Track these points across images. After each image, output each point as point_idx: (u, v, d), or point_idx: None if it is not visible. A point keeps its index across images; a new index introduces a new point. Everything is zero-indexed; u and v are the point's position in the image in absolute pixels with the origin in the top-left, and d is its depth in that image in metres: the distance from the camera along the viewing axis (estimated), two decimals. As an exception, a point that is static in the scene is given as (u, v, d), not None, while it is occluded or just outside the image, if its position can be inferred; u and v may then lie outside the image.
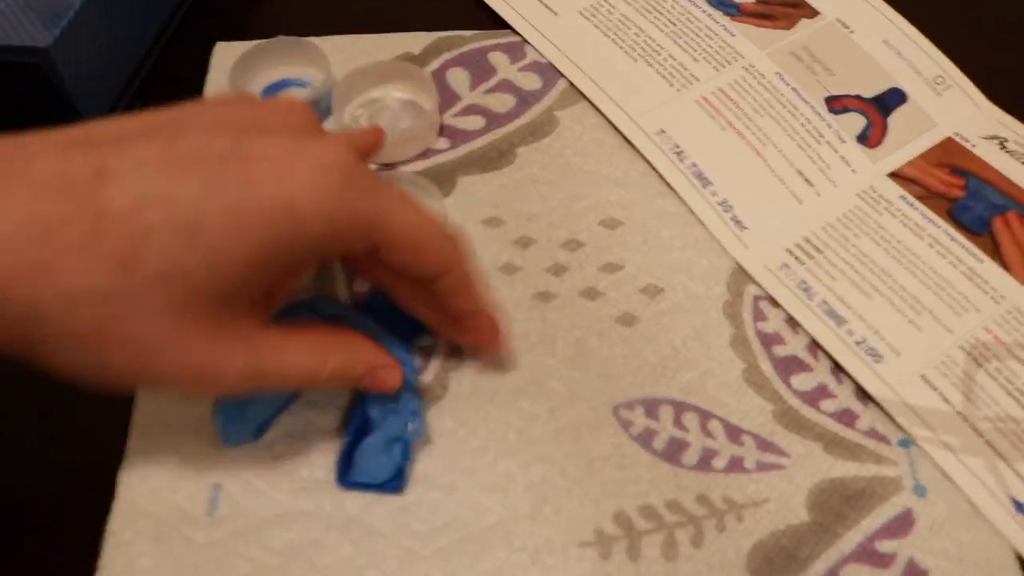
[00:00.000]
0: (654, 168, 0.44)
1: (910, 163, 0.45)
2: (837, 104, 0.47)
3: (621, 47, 0.49)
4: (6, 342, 0.27)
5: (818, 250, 0.41)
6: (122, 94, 0.48)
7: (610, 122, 0.46)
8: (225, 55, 0.49)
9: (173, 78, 0.50)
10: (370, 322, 0.37)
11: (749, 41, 0.49)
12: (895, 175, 0.44)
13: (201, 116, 0.30)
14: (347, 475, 0.35)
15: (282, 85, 0.48)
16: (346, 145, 0.30)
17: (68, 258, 0.26)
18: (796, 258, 0.41)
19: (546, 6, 0.51)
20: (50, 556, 0.35)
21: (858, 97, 0.47)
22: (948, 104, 0.47)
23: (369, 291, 0.40)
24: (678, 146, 0.45)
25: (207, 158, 0.27)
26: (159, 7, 0.51)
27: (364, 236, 0.30)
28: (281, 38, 0.47)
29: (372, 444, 0.35)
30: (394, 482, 0.35)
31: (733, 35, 0.50)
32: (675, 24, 0.50)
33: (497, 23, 0.51)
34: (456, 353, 0.39)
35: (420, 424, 0.36)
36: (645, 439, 0.37)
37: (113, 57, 0.47)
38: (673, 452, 0.36)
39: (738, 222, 0.42)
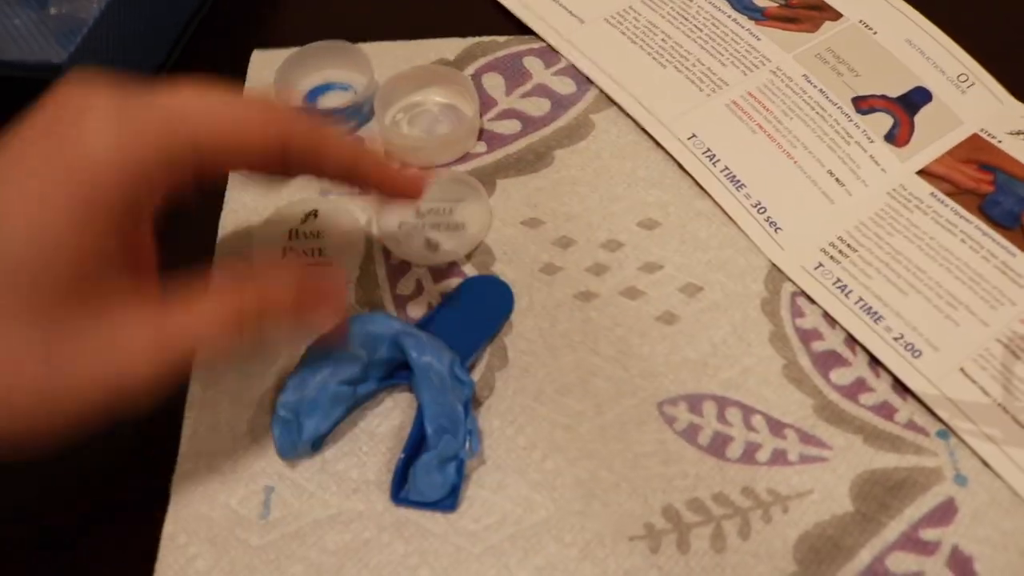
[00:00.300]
0: (688, 172, 0.45)
1: (938, 160, 0.45)
2: (864, 104, 0.47)
3: (649, 53, 0.50)
4: None
5: (852, 249, 0.42)
6: None
7: (642, 127, 0.47)
8: (262, 63, 0.50)
9: None
10: (424, 336, 0.37)
11: (775, 44, 0.50)
12: (924, 173, 0.45)
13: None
14: (401, 492, 0.36)
15: (326, 88, 0.48)
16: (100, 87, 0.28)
17: None
18: (831, 257, 0.42)
19: (572, 14, 0.52)
20: (107, 559, 0.35)
21: (884, 97, 0.48)
22: (973, 101, 0.48)
23: (425, 314, 0.40)
24: (710, 150, 0.45)
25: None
26: (171, 22, 0.52)
27: (169, 146, 0.28)
28: (324, 42, 0.48)
29: (427, 463, 0.35)
30: (448, 500, 0.35)
31: (759, 39, 0.50)
32: (701, 29, 0.51)
33: (525, 31, 0.52)
34: (501, 354, 0.39)
35: (476, 443, 0.36)
36: (690, 434, 0.37)
37: (127, 70, 0.47)
38: (718, 446, 0.37)
39: (772, 223, 0.43)
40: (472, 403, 0.37)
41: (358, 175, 0.33)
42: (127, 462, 0.38)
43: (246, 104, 0.29)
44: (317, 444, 0.37)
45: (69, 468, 0.37)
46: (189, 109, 0.28)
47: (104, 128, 0.27)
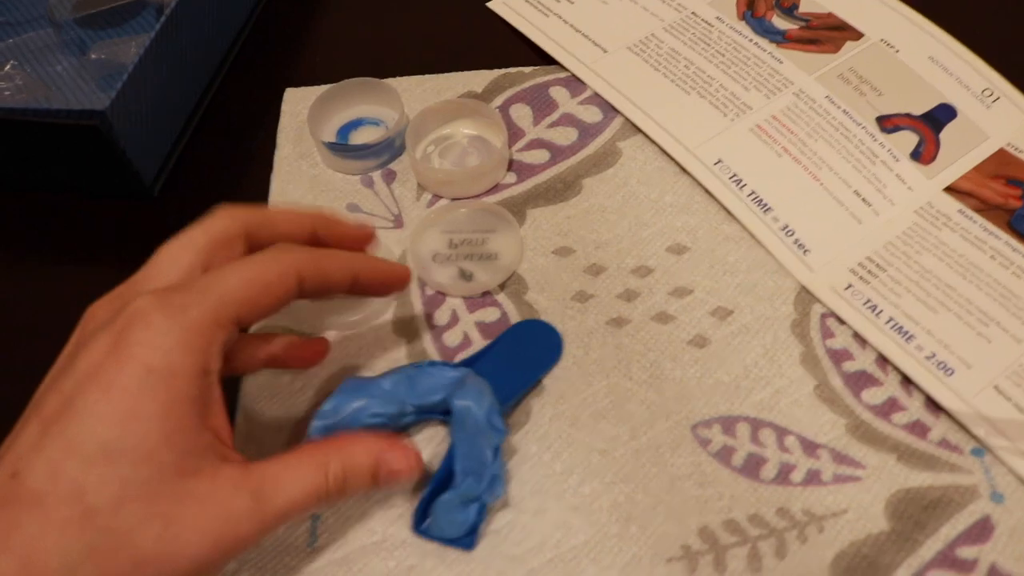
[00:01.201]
0: (714, 197, 0.46)
1: (965, 177, 0.46)
2: (888, 123, 0.48)
3: (673, 80, 0.51)
4: None
5: (881, 269, 0.43)
6: (174, 147, 0.51)
7: (668, 154, 0.48)
8: (295, 100, 0.52)
9: (222, 128, 0.53)
10: (470, 380, 0.37)
11: (797, 67, 0.51)
12: (951, 190, 0.45)
13: (53, 377, 0.32)
14: (421, 525, 0.37)
15: (357, 124, 0.50)
16: (155, 299, 0.31)
17: (39, 544, 0.28)
18: (860, 278, 0.42)
19: (595, 44, 0.53)
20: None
21: (908, 115, 0.48)
22: (998, 116, 0.48)
23: (467, 351, 0.41)
24: (736, 175, 0.46)
25: (70, 396, 0.29)
26: (206, 62, 0.54)
27: (221, 326, 0.31)
28: (355, 79, 0.49)
29: (448, 501, 0.36)
30: (466, 539, 0.36)
31: (781, 62, 0.51)
32: (723, 55, 0.52)
33: (550, 62, 0.53)
34: (536, 382, 0.40)
35: (500, 488, 0.36)
36: (724, 456, 0.38)
37: (164, 113, 0.49)
38: (752, 467, 0.37)
39: (801, 245, 0.44)
40: (501, 450, 0.37)
41: (358, 288, 0.36)
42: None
43: (264, 266, 0.33)
44: None
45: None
46: (228, 295, 0.32)
47: (165, 343, 0.30)
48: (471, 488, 0.36)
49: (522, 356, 0.40)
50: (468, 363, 0.40)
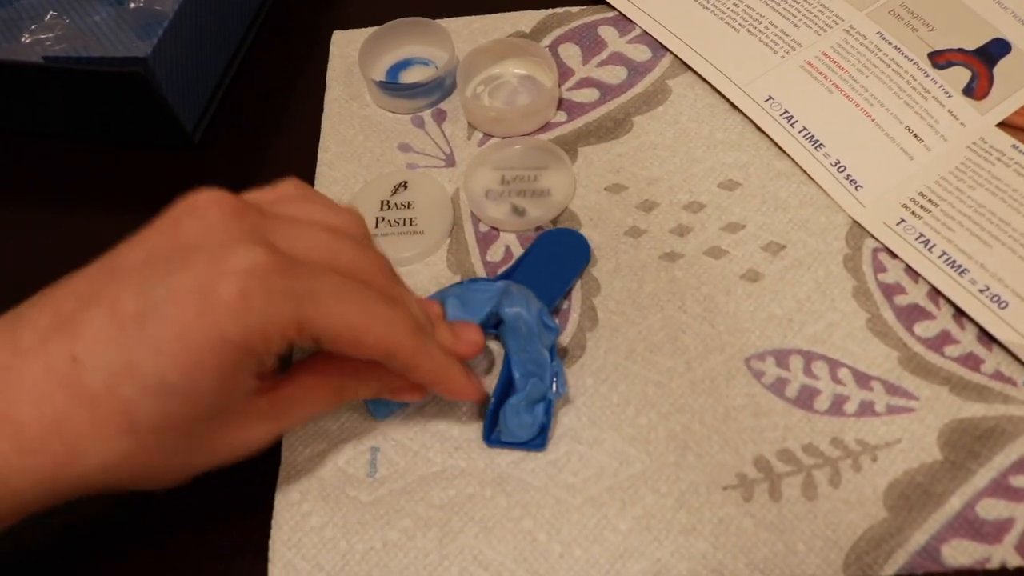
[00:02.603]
0: (766, 134, 0.46)
1: (1019, 112, 0.45)
2: (941, 59, 0.47)
3: (721, 18, 0.50)
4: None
5: (934, 204, 0.43)
6: (214, 95, 0.51)
7: (719, 92, 0.47)
8: (344, 42, 0.52)
9: (261, 75, 0.53)
10: (514, 288, 0.38)
11: (847, 3, 0.50)
12: (1004, 125, 0.45)
13: (130, 256, 0.32)
14: (492, 434, 0.38)
15: (407, 64, 0.50)
16: (261, 246, 0.31)
17: (84, 442, 0.30)
18: (913, 213, 0.42)
19: (643, -19, 0.53)
20: (226, 517, 0.38)
21: (961, 50, 0.48)
22: (1053, 51, 0.48)
23: (506, 267, 0.42)
24: (788, 111, 0.46)
25: (147, 314, 0.30)
26: (245, 8, 0.54)
27: (297, 338, 0.31)
28: (404, 19, 0.49)
29: (515, 405, 0.37)
30: (537, 440, 0.37)
31: (831, -2, 0.51)
32: (772, -9, 0.51)
33: (598, 1, 0.52)
34: (591, 315, 0.41)
35: (562, 384, 0.38)
36: (778, 388, 0.38)
37: (204, 60, 0.50)
38: (806, 399, 0.38)
39: (853, 181, 0.44)
40: (557, 349, 0.38)
41: (435, 391, 0.37)
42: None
43: (382, 325, 0.33)
44: (404, 404, 0.39)
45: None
46: (324, 318, 0.31)
47: (258, 303, 0.30)
48: (536, 388, 0.37)
49: (554, 262, 0.42)
50: (505, 276, 0.41)
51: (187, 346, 0.29)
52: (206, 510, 0.38)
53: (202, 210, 0.32)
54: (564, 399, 0.38)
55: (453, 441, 0.38)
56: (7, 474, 0.30)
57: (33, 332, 0.30)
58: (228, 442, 0.33)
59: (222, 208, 0.32)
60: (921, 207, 0.43)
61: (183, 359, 0.30)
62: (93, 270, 0.32)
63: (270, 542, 0.36)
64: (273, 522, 0.37)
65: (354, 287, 0.32)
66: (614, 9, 0.52)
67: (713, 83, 0.48)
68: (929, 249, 0.41)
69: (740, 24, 0.50)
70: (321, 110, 0.49)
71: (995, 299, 0.39)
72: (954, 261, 0.41)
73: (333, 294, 0.32)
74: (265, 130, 0.50)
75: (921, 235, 0.42)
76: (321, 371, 0.35)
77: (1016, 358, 0.38)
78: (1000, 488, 0.35)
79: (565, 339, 0.40)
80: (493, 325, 0.39)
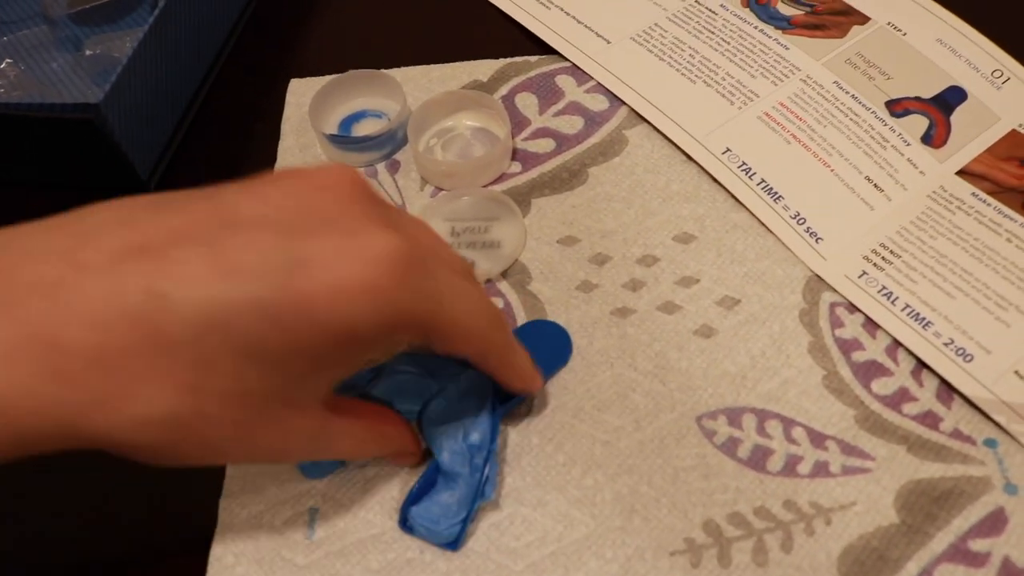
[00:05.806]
0: (723, 186, 0.45)
1: (977, 159, 0.45)
2: (898, 107, 0.47)
3: (678, 69, 0.50)
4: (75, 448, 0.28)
5: (896, 255, 0.42)
6: (170, 142, 0.50)
7: (675, 145, 0.47)
8: (301, 90, 0.51)
9: (219, 121, 0.52)
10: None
11: (804, 53, 0.50)
12: (964, 173, 0.44)
13: (247, 207, 0.29)
14: (407, 523, 0.36)
15: (360, 116, 0.49)
16: (398, 233, 0.29)
17: (136, 387, 0.26)
18: (875, 264, 0.41)
19: (598, 35, 0.52)
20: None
21: (918, 99, 0.47)
22: (1009, 97, 0.47)
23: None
24: (745, 163, 0.45)
25: (259, 271, 0.27)
26: (202, 56, 0.53)
27: (415, 333, 0.31)
28: (357, 71, 0.49)
29: (438, 501, 0.36)
30: (452, 544, 0.35)
31: (787, 48, 0.50)
32: (728, 43, 0.51)
33: (553, 52, 0.52)
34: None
35: (491, 490, 0.35)
36: (729, 448, 0.37)
37: (160, 106, 0.49)
38: (758, 459, 0.37)
39: (813, 234, 0.43)
40: (495, 455, 0.36)
41: (514, 386, 0.37)
42: (177, 485, 0.38)
43: (487, 325, 0.33)
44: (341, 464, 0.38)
45: (120, 495, 0.38)
46: (447, 314, 0.31)
47: (388, 289, 0.28)
48: (462, 487, 0.35)
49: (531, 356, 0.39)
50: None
51: (307, 320, 0.27)
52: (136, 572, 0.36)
53: (335, 184, 0.30)
54: (493, 504, 0.36)
55: (393, 502, 0.37)
56: (26, 402, 0.26)
57: (97, 250, 0.27)
58: (273, 448, 0.31)
59: (356, 188, 0.30)
60: (883, 259, 0.42)
61: (295, 333, 0.27)
62: (192, 205, 0.29)
63: (200, 608, 0.35)
64: (205, 587, 0.35)
65: (465, 284, 0.32)
66: (570, 61, 0.51)
67: (670, 136, 0.47)
68: (892, 302, 0.40)
69: (696, 75, 0.49)
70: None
71: (960, 352, 0.38)
72: (917, 313, 0.40)
73: (454, 291, 0.31)
74: (222, 176, 0.49)
75: (884, 287, 0.41)
76: (358, 417, 0.34)
77: (981, 412, 0.37)
78: (959, 553, 0.34)
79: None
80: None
